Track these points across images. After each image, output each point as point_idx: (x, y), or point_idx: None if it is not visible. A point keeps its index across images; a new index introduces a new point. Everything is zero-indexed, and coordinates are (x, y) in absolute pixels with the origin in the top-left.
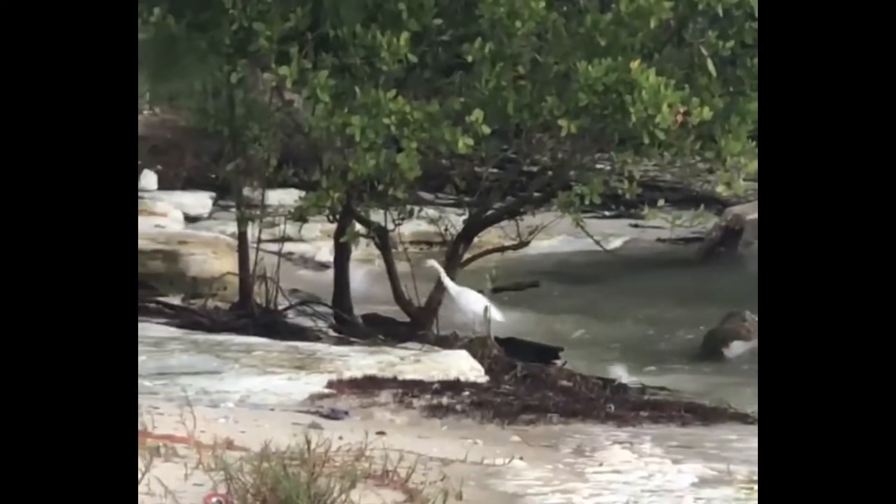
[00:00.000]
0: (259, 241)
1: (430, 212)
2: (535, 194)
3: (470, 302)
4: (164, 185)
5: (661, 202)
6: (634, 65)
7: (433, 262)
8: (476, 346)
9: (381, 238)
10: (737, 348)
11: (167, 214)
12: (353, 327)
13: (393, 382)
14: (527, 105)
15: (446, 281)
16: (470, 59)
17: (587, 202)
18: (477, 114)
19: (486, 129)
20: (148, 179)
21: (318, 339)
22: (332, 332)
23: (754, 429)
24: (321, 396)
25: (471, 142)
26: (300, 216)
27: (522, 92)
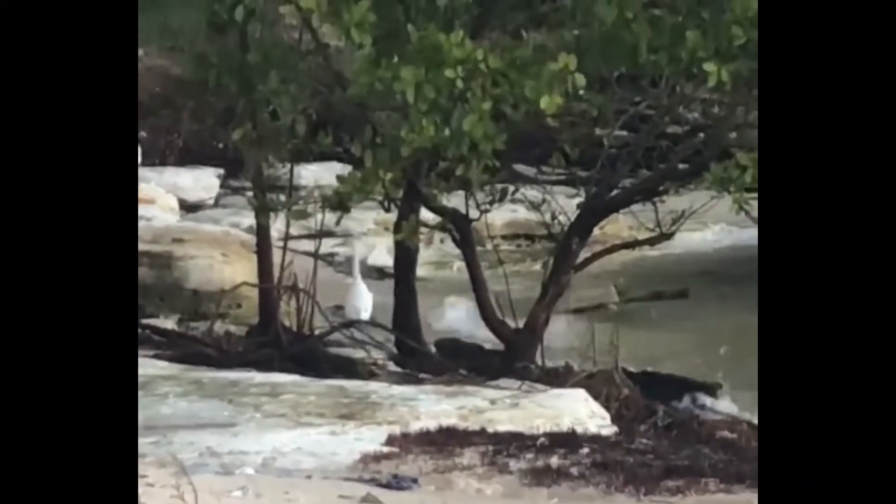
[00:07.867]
0: (287, 237)
1: (531, 192)
2: (681, 166)
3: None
4: (151, 158)
5: None
6: None
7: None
8: (599, 384)
9: (461, 232)
10: None
11: (155, 201)
12: (422, 359)
13: (481, 436)
14: (664, 46)
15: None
16: None
17: (752, 177)
18: (565, 59)
19: (582, 80)
20: None
21: (372, 375)
22: (392, 367)
23: None
24: (378, 457)
25: (560, 100)
26: (340, 203)
27: (658, 26)
